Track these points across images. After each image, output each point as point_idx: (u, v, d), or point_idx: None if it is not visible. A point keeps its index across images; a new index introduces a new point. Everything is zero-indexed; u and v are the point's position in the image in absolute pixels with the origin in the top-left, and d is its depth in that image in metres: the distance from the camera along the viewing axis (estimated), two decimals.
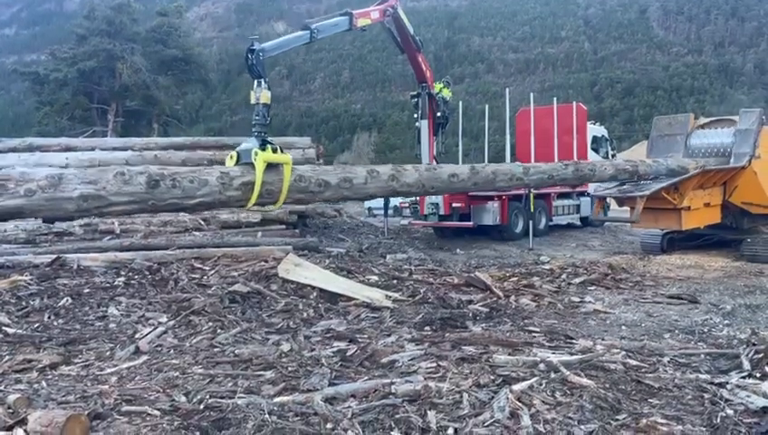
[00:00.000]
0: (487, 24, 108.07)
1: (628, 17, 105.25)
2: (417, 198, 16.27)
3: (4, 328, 5.37)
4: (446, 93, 16.67)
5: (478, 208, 15.52)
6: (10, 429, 3.22)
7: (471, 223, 15.59)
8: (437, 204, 15.42)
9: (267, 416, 3.37)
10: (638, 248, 13.41)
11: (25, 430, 3.14)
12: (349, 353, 4.79)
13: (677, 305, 7.61)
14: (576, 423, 3.38)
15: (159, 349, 5.07)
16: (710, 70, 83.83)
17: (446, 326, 5.86)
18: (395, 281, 8.22)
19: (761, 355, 4.62)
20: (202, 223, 11.69)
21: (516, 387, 3.77)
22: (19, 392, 3.82)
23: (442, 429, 3.27)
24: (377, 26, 13.88)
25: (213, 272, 7.79)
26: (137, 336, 5.36)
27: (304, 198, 6.07)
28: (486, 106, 21.22)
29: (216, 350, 5.01)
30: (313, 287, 7.07)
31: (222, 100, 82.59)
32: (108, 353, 4.92)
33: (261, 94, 6.37)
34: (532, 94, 17.98)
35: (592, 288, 8.75)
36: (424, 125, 16.46)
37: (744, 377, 4.28)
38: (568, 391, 3.82)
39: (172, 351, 5.00)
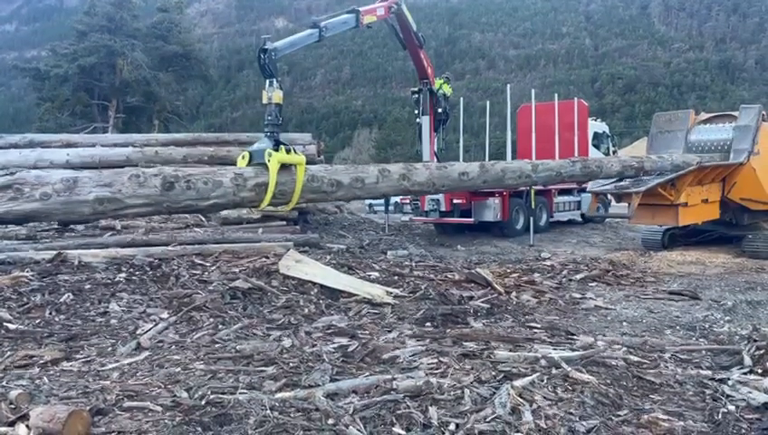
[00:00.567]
0: (488, 20, 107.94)
1: (630, 13, 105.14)
2: None
3: (5, 324, 5.36)
4: (447, 89, 16.66)
5: (479, 205, 15.52)
6: (12, 424, 3.22)
7: (472, 219, 15.59)
8: (438, 200, 15.41)
9: (269, 412, 3.38)
10: (639, 245, 13.41)
11: (27, 426, 3.15)
12: (350, 349, 4.79)
13: (678, 302, 7.61)
14: (577, 419, 3.38)
15: (161, 345, 5.07)
16: (711, 66, 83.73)
17: (448, 322, 5.85)
18: (396, 277, 8.22)
19: (762, 351, 4.62)
20: (203, 219, 11.68)
21: (517, 383, 3.77)
22: (21, 388, 3.82)
23: (443, 424, 3.27)
24: (378, 22, 13.87)
25: (214, 268, 7.78)
26: (138, 332, 5.35)
27: (317, 198, 6.09)
28: (487, 102, 21.22)
29: (217, 346, 5.01)
30: (314, 283, 7.06)
31: (222, 96, 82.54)
32: (109, 349, 4.92)
33: (273, 94, 6.35)
34: (533, 90, 17.95)
35: (593, 284, 8.75)
36: (425, 121, 16.46)
37: (745, 373, 4.28)
38: (569, 387, 3.82)
39: (173, 347, 5.00)
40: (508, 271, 9.38)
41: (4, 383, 3.98)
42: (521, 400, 3.51)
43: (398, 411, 3.41)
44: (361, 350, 4.73)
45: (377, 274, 8.33)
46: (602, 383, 3.91)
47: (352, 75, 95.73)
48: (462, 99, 20.64)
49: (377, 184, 6.14)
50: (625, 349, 4.87)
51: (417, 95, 16.73)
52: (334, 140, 67.39)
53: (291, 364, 4.37)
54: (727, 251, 11.96)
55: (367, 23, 12.79)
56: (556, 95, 18.75)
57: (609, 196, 14.74)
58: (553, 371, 4.07)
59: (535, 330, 5.67)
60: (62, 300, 6.18)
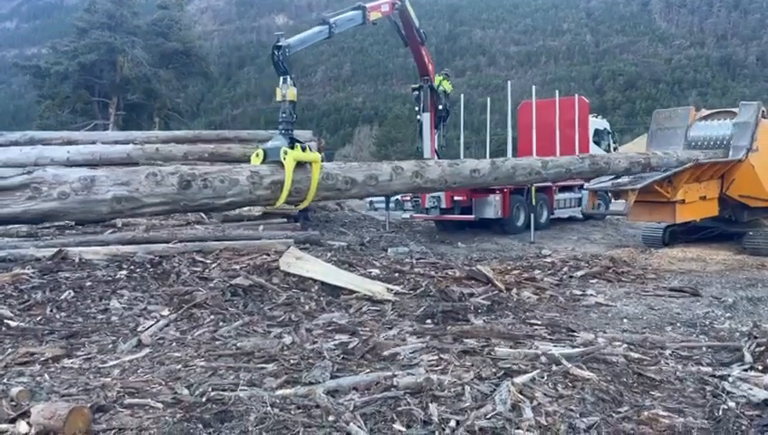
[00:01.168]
0: (489, 17, 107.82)
1: (631, 9, 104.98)
2: None
3: (6, 321, 5.37)
4: (447, 86, 16.63)
5: (480, 202, 15.49)
6: (13, 421, 3.23)
7: (472, 216, 15.57)
8: (439, 197, 15.38)
9: (269, 408, 3.38)
10: (640, 242, 13.40)
11: (28, 423, 3.15)
12: (350, 346, 4.80)
13: (679, 298, 7.61)
14: (578, 416, 3.38)
15: (161, 342, 5.07)
16: (712, 62, 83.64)
17: (448, 319, 5.86)
18: (396, 274, 8.22)
19: (762, 348, 4.62)
20: (203, 217, 11.67)
21: (518, 380, 3.77)
22: (22, 385, 3.83)
23: (444, 421, 3.27)
24: (380, 18, 13.85)
25: (214, 265, 7.79)
26: (139, 329, 5.36)
27: (331, 196, 6.10)
28: (488, 99, 21.15)
29: (218, 343, 5.01)
30: (315, 280, 7.07)
31: (223, 93, 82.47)
32: (110, 346, 4.93)
33: (288, 91, 6.34)
34: (533, 87, 17.93)
35: (594, 281, 8.74)
36: (425, 118, 16.43)
37: (745, 370, 4.28)
38: (569, 384, 3.82)
39: (174, 344, 5.00)
40: (509, 268, 9.38)
41: (5, 380, 3.98)
42: (521, 396, 3.51)
43: (399, 408, 3.41)
44: (362, 347, 4.73)
45: (377, 271, 8.33)
46: (603, 380, 3.91)
47: (353, 72, 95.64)
48: (462, 96, 20.62)
49: (390, 181, 6.17)
50: (625, 346, 4.87)
51: (417, 92, 16.70)
52: (335, 138, 67.36)
53: (291, 361, 4.38)
54: (728, 248, 11.95)
55: (373, 19, 12.80)
56: (557, 92, 18.73)
57: (609, 193, 14.75)
58: (554, 367, 4.08)
59: (536, 327, 5.68)
60: (62, 297, 6.18)
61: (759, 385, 3.91)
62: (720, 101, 49.61)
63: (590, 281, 8.74)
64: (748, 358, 4.51)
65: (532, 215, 15.31)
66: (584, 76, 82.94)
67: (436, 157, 15.70)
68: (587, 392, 3.68)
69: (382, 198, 19.29)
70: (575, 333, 5.38)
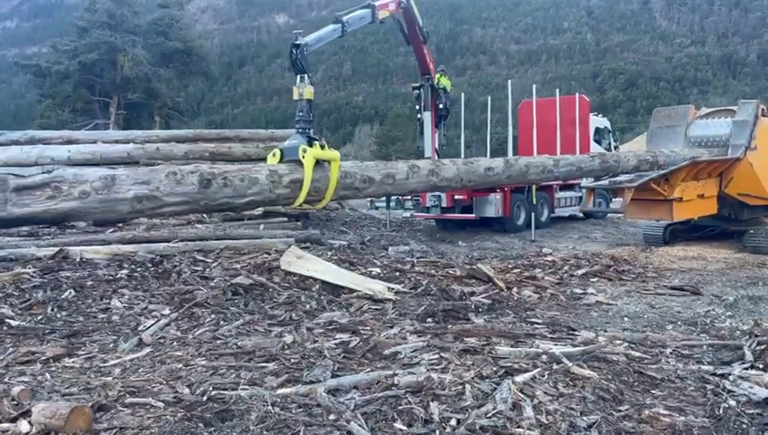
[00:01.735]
0: (489, 16, 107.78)
1: (631, 8, 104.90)
2: None
3: (7, 320, 5.37)
4: (446, 82, 16.62)
5: (480, 200, 15.50)
6: (14, 420, 3.23)
7: (473, 215, 15.57)
8: (440, 196, 15.38)
9: (270, 407, 3.38)
10: (641, 240, 13.39)
11: (29, 422, 3.16)
12: (351, 345, 4.80)
13: (680, 297, 7.60)
14: (578, 414, 3.38)
15: (162, 341, 5.07)
16: (713, 61, 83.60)
17: (449, 318, 5.86)
18: (397, 273, 8.22)
19: (763, 346, 4.62)
20: (204, 216, 11.68)
21: (519, 378, 3.77)
22: (23, 384, 3.83)
23: (444, 420, 3.28)
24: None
25: (215, 264, 7.79)
26: (140, 328, 5.36)
27: (348, 195, 6.12)
28: (488, 98, 21.15)
29: (218, 342, 5.01)
30: (316, 279, 7.07)
31: (223, 92, 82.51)
32: (111, 345, 4.93)
33: (305, 90, 6.35)
34: (534, 86, 17.95)
35: (594, 280, 8.74)
36: (426, 117, 16.44)
37: (746, 368, 4.28)
38: (570, 383, 3.82)
39: (175, 343, 5.00)
40: (509, 267, 9.38)
41: (6, 380, 3.99)
42: (522, 395, 3.52)
43: (400, 407, 3.41)
44: (363, 346, 4.74)
45: (378, 270, 8.33)
46: (603, 379, 3.91)
47: (353, 71, 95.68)
48: (463, 94, 20.62)
49: (407, 180, 6.20)
50: (626, 344, 4.87)
51: (418, 91, 16.70)
52: (335, 136, 67.39)
53: (292, 360, 4.38)
54: (729, 246, 11.93)
55: (381, 18, 12.90)
56: (557, 91, 18.71)
57: (609, 191, 14.74)
58: (554, 366, 4.08)
59: (536, 325, 5.68)
60: (63, 296, 6.19)
61: (760, 384, 3.91)
62: (721, 99, 49.56)
63: (591, 280, 8.74)
64: (749, 356, 4.50)
65: (532, 214, 15.31)
66: (585, 75, 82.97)
67: (436, 156, 15.70)
68: (587, 391, 3.68)
69: (383, 197, 19.30)
70: (576, 332, 5.38)
